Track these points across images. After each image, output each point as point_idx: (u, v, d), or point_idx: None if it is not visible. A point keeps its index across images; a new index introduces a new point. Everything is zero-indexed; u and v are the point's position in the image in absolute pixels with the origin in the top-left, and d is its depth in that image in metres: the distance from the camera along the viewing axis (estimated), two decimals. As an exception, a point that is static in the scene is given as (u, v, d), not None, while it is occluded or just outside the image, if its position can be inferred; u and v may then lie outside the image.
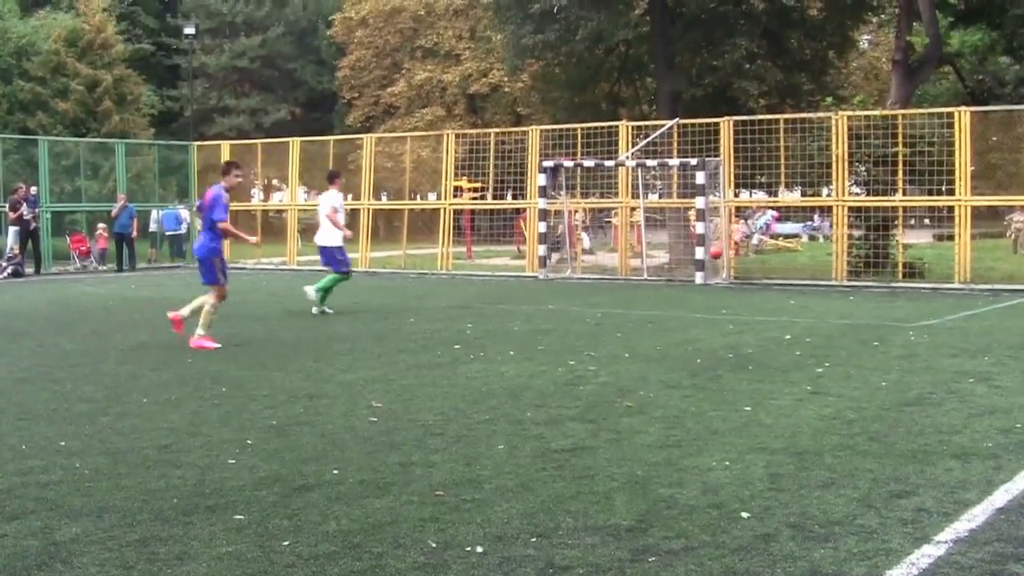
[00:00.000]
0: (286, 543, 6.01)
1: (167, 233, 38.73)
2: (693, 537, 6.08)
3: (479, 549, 5.89)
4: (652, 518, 6.44)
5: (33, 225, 31.90)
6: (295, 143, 35.77)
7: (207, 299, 15.18)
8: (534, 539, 6.06)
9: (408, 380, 11.64)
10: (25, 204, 31.45)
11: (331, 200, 19.69)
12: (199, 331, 14.81)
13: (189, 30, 56.56)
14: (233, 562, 5.72)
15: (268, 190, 61.24)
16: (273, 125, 62.26)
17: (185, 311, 15.18)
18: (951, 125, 25.36)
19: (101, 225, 35.95)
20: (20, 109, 48.24)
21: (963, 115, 25.16)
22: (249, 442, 8.57)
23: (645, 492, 7.01)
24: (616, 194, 29.78)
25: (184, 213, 38.29)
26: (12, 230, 31.40)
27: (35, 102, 47.87)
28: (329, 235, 19.48)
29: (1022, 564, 5.64)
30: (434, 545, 5.96)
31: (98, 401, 10.42)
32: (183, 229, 38.35)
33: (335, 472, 7.55)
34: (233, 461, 7.93)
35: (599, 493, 6.99)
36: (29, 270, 31.67)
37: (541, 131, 31.49)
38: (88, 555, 5.84)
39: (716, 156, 27.42)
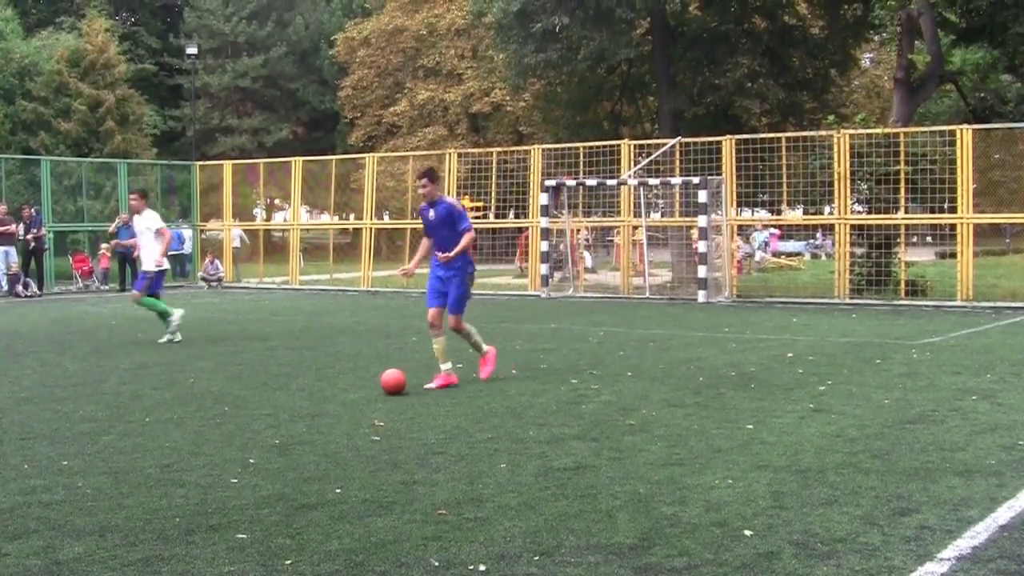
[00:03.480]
0: (289, 562, 6.01)
1: (169, 253, 38.61)
2: (696, 555, 6.07)
3: (482, 568, 5.89)
4: (655, 536, 6.43)
5: (33, 245, 31.93)
6: (297, 162, 35.80)
7: None
8: (537, 557, 6.06)
9: (410, 399, 11.63)
10: (22, 224, 31.50)
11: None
12: None
13: (191, 50, 56.74)
14: (235, 581, 5.73)
15: (271, 209, 61.35)
16: (275, 145, 62.40)
17: None
18: (953, 143, 25.40)
19: (104, 245, 35.93)
20: (23, 129, 48.36)
21: (965, 133, 25.20)
22: (251, 461, 8.57)
23: (648, 510, 7.00)
24: (618, 213, 29.80)
25: (187, 232, 38.29)
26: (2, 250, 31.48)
27: (37, 122, 47.97)
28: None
29: (1025, 581, 5.65)
30: (436, 564, 5.95)
31: (100, 420, 10.40)
32: (185, 248, 38.32)
33: (338, 491, 7.55)
34: (236, 480, 7.93)
35: (601, 511, 6.98)
36: (29, 290, 31.62)
37: (543, 150, 31.55)
38: (90, 574, 5.85)
39: (718, 174, 27.46)
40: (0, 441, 9.49)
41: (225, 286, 35.75)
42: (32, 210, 32.35)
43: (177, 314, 17.98)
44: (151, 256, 18.08)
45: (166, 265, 18.68)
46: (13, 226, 31.51)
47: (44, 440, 9.49)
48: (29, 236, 31.63)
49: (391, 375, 12.03)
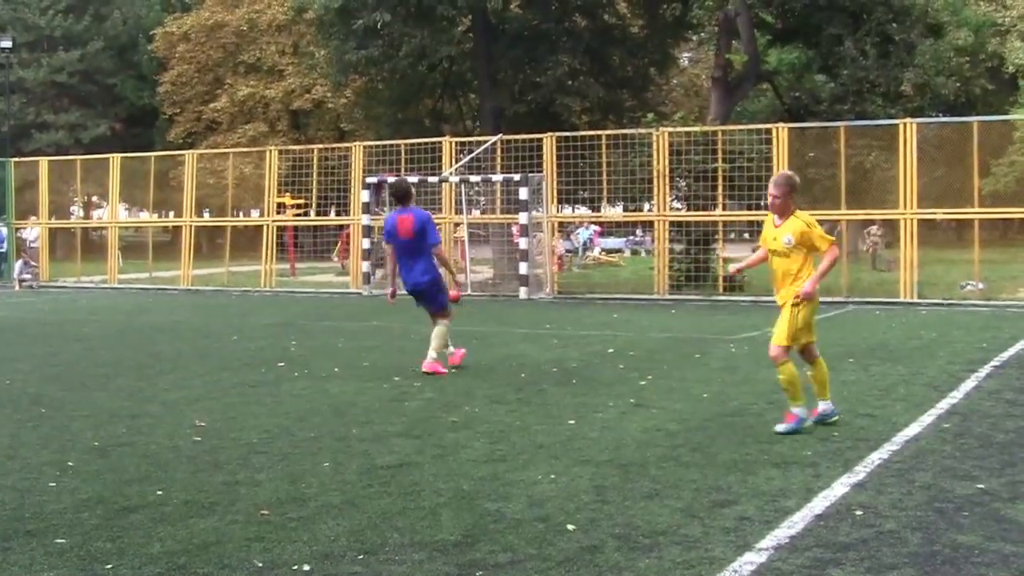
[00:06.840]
0: (109, 566, 5.90)
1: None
2: (519, 551, 6.11)
3: (306, 568, 5.85)
4: (478, 533, 6.46)
5: None
6: (115, 159, 35.06)
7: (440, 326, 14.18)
8: (361, 556, 6.04)
9: (232, 398, 11.49)
10: None
11: None
12: (432, 355, 13.76)
13: (5, 43, 55.04)
14: (52, 587, 5.60)
15: (88, 207, 60.02)
16: (93, 141, 60.90)
17: (433, 354, 13.89)
18: (769, 141, 25.96)
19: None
20: None
21: (781, 131, 25.78)
22: (70, 464, 8.37)
23: (471, 507, 7.03)
24: (440, 210, 29.79)
25: (2, 231, 37.14)
26: None
27: None
28: None
29: (840, 568, 5.79)
30: (260, 564, 5.90)
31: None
32: (3, 248, 37.08)
33: (159, 493, 7.42)
34: (54, 484, 7.74)
35: (425, 509, 6.99)
36: None
37: (364, 147, 31.44)
38: None
39: (539, 172, 27.65)
40: None
41: (41, 286, 34.84)
42: None
43: None
44: None
45: None
46: None
47: None
48: None
49: None
